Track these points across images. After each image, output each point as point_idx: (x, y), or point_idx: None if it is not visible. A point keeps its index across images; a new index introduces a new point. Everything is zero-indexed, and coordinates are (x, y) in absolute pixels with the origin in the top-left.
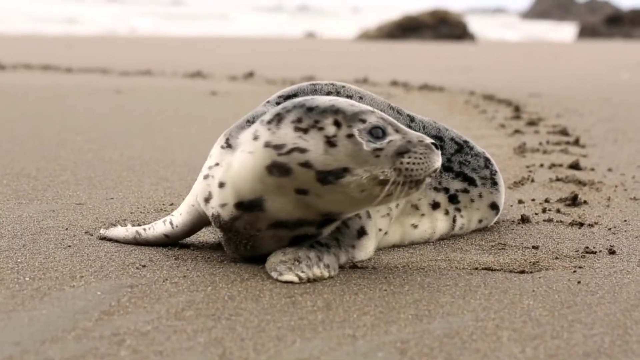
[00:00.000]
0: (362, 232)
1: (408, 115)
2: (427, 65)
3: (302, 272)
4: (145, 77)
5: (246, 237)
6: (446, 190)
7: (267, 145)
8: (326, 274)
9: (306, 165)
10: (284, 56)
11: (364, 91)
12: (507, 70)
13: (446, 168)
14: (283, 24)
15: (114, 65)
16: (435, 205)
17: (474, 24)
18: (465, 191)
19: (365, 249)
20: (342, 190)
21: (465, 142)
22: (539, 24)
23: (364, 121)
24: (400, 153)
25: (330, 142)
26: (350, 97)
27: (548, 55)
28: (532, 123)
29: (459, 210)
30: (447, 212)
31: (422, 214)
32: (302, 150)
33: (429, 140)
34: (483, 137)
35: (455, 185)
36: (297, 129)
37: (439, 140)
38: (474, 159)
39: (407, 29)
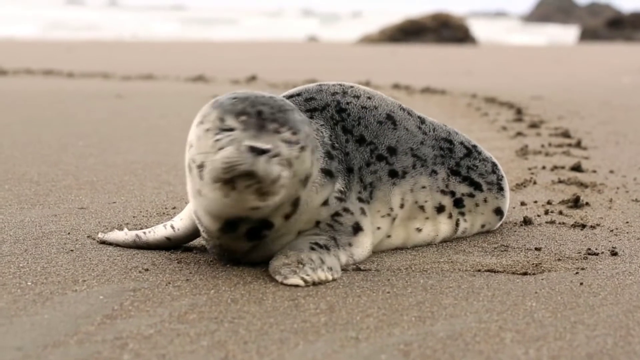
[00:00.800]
0: (357, 228)
1: (419, 117)
2: (429, 68)
3: (307, 275)
4: (147, 82)
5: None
6: (452, 193)
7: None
8: (330, 277)
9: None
10: (286, 60)
11: (372, 91)
12: (508, 73)
13: (454, 172)
14: (285, 27)
15: (115, 70)
16: (440, 209)
17: (476, 28)
18: (471, 195)
19: (362, 245)
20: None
21: (474, 146)
22: (540, 28)
23: (222, 120)
24: (221, 147)
25: (198, 137)
26: (358, 97)
27: (549, 59)
28: (534, 125)
29: (462, 214)
30: (450, 216)
31: (427, 217)
32: (190, 146)
33: (253, 143)
34: (485, 140)
35: (462, 189)
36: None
37: (449, 143)
38: (481, 164)
39: (409, 32)
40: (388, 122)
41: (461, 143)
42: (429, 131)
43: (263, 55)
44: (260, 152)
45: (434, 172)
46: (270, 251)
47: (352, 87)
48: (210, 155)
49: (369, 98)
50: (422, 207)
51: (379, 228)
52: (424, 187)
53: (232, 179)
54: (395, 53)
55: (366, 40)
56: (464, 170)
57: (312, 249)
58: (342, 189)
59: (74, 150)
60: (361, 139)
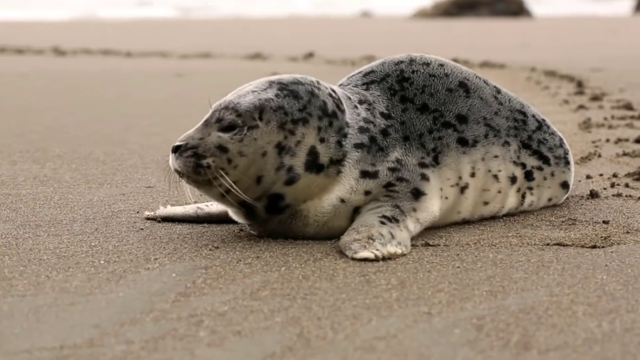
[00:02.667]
0: (418, 193)
1: (495, 87)
2: (486, 42)
3: (377, 249)
4: (205, 60)
5: None
6: (523, 165)
7: None
8: (399, 251)
9: None
10: (342, 36)
11: (445, 60)
12: (566, 45)
13: (525, 145)
14: (336, 2)
15: (173, 49)
16: (513, 179)
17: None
18: (540, 169)
19: (428, 210)
20: None
21: (544, 120)
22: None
23: None
24: None
25: None
26: (427, 64)
27: (606, 30)
28: (595, 98)
29: (530, 188)
30: (518, 189)
31: (500, 188)
32: None
33: (175, 143)
34: (547, 114)
35: (532, 162)
36: None
37: (522, 115)
38: (550, 138)
39: (463, 6)
40: (460, 89)
41: (533, 116)
42: (505, 102)
43: (318, 31)
44: (176, 149)
45: (507, 143)
46: (304, 230)
47: (422, 56)
48: None
49: (441, 65)
50: (495, 177)
51: (446, 198)
52: (496, 157)
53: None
54: (451, 27)
55: (420, 15)
56: (534, 144)
57: (382, 222)
58: (398, 158)
59: (137, 130)
60: (423, 107)
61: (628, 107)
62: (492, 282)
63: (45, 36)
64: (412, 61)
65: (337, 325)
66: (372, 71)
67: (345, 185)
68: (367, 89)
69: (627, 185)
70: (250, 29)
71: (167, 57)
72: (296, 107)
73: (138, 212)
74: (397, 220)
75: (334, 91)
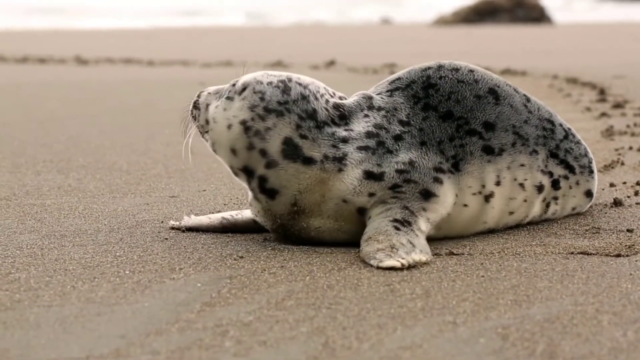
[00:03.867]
0: (428, 194)
1: (524, 95)
2: (507, 49)
3: (402, 258)
4: (227, 68)
5: None
6: (550, 174)
7: None
8: (424, 259)
9: None
10: (363, 44)
11: (474, 66)
12: (587, 52)
13: (553, 154)
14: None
15: (194, 57)
16: (540, 188)
17: (551, 6)
18: (566, 178)
19: (438, 212)
20: None
21: (569, 129)
22: (615, 5)
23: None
24: None
25: None
26: (457, 69)
27: (628, 36)
28: (618, 105)
29: (555, 198)
30: (544, 199)
31: (525, 199)
32: None
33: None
34: (570, 121)
35: (559, 171)
36: None
37: (551, 124)
38: (576, 147)
39: (484, 12)
40: (489, 96)
41: (560, 125)
42: (534, 110)
43: (339, 39)
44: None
45: (535, 151)
46: (310, 227)
47: (451, 62)
48: None
49: (471, 71)
50: (521, 185)
51: (465, 205)
52: (522, 165)
53: None
54: (471, 35)
55: (440, 22)
56: (562, 153)
57: (397, 228)
58: (410, 160)
59: (161, 139)
60: (447, 114)
61: None
62: (517, 291)
63: (68, 45)
64: (440, 67)
65: (362, 335)
66: (398, 78)
67: (348, 185)
68: (390, 96)
69: None
70: (272, 37)
71: (189, 65)
72: (277, 99)
73: (162, 221)
74: (409, 223)
75: (338, 107)
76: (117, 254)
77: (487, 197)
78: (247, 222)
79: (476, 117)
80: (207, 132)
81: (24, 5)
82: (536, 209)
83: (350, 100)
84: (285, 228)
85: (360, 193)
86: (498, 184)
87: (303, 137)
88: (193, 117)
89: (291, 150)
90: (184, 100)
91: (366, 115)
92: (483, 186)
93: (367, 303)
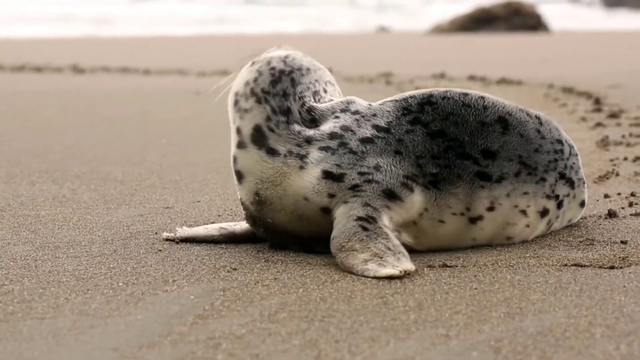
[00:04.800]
0: (392, 195)
1: (537, 117)
2: (504, 58)
3: (396, 265)
4: (223, 77)
5: None
6: (557, 197)
7: None
8: (413, 268)
9: None
10: (360, 52)
11: (486, 94)
12: (584, 61)
13: (562, 175)
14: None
15: (190, 66)
16: (544, 213)
17: (548, 14)
18: (567, 195)
19: (401, 215)
20: None
21: (567, 139)
22: (613, 13)
23: None
24: None
25: None
26: (465, 94)
27: (624, 45)
28: (613, 115)
29: (557, 217)
30: (549, 221)
31: (527, 225)
32: None
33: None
34: (565, 132)
35: (564, 191)
36: None
37: (560, 144)
38: (576, 160)
39: (480, 21)
40: (497, 125)
41: (566, 141)
42: (547, 133)
43: (336, 47)
44: None
45: (543, 179)
46: (276, 223)
47: (462, 90)
48: None
49: (482, 97)
50: (523, 212)
51: (442, 222)
52: (526, 193)
53: None
54: (468, 43)
55: (437, 30)
56: (568, 172)
57: (364, 228)
58: (377, 165)
59: (156, 149)
60: (438, 133)
61: None
62: (510, 304)
63: (64, 53)
64: (447, 91)
65: (355, 348)
66: (403, 94)
67: (307, 183)
68: (382, 104)
69: None
70: (269, 44)
71: (185, 74)
72: (264, 85)
73: (156, 233)
74: (373, 219)
75: (310, 110)
76: (111, 265)
77: (474, 220)
78: (245, 232)
79: (475, 143)
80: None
81: (21, 14)
82: (539, 231)
83: (328, 103)
84: (254, 219)
85: (320, 192)
86: (491, 209)
87: (270, 129)
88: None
89: (258, 137)
90: (179, 109)
91: (336, 117)
92: (468, 209)
93: (360, 316)
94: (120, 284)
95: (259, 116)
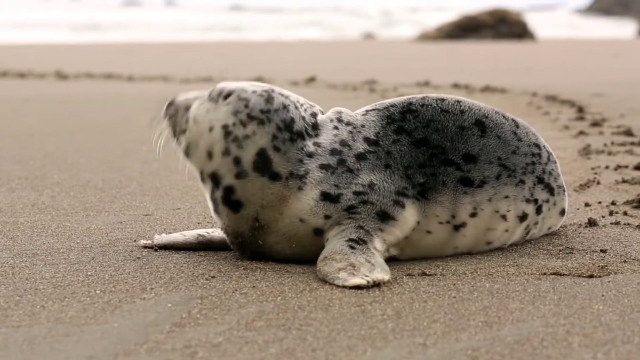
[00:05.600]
0: (386, 216)
1: (513, 120)
2: (488, 66)
3: (366, 276)
4: (207, 84)
5: None
6: (535, 201)
7: None
8: (386, 278)
9: None
10: (344, 60)
11: (462, 98)
12: (568, 69)
13: (540, 179)
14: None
15: (174, 73)
16: (523, 217)
17: (534, 22)
18: (547, 201)
19: (394, 234)
20: None
21: (545, 146)
22: (598, 21)
23: None
24: None
25: None
26: (442, 100)
27: (609, 54)
28: (596, 124)
29: (536, 223)
30: (527, 226)
31: (506, 230)
32: None
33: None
34: (548, 140)
35: (543, 196)
36: None
37: (537, 147)
38: (555, 166)
39: (467, 29)
40: (475, 128)
41: (544, 146)
42: (523, 136)
43: (320, 55)
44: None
45: (522, 181)
46: (266, 244)
47: (439, 95)
48: None
49: (458, 102)
50: (503, 217)
51: (429, 232)
52: (507, 197)
53: None
54: (454, 51)
55: (423, 38)
56: (546, 177)
57: (351, 247)
58: (370, 182)
59: (137, 156)
60: (422, 142)
61: (628, 133)
62: (488, 313)
63: (48, 59)
64: (424, 97)
65: (332, 357)
66: (382, 103)
67: (304, 205)
68: (365, 114)
69: (625, 214)
70: (252, 52)
71: (169, 81)
72: (260, 107)
73: (135, 240)
74: (364, 242)
75: (313, 115)
76: (89, 273)
77: (457, 227)
78: (224, 239)
79: (456, 148)
80: (183, 133)
81: (4, 20)
82: (517, 237)
83: (323, 111)
84: (244, 244)
85: (316, 214)
86: (474, 215)
87: (276, 148)
88: (166, 116)
89: (262, 163)
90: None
91: (335, 127)
92: (453, 217)
93: (337, 324)
94: (98, 291)
95: (264, 138)
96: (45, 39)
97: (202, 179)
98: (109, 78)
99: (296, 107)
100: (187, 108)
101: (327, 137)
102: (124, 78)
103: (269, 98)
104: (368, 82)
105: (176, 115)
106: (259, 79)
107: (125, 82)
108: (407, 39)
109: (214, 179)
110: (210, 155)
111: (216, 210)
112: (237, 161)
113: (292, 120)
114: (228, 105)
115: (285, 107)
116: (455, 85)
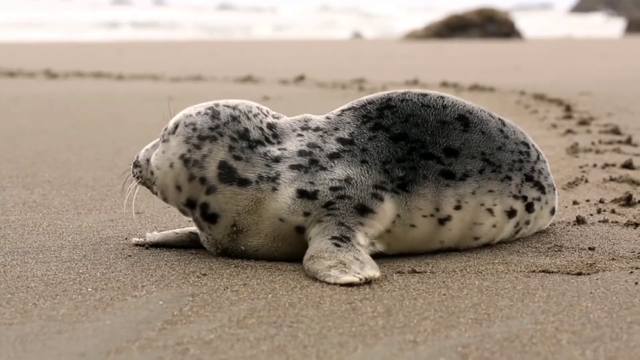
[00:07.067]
0: (364, 210)
1: (500, 119)
2: (477, 65)
3: (358, 273)
4: (197, 83)
5: None
6: (524, 198)
7: None
8: (377, 275)
9: None
10: (333, 59)
11: (445, 94)
12: (556, 68)
13: (528, 177)
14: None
15: (164, 72)
16: (511, 213)
17: (521, 21)
18: (538, 200)
19: (375, 227)
20: None
21: (534, 144)
22: (586, 19)
23: None
24: None
25: None
26: (424, 95)
27: (596, 52)
28: (583, 122)
29: (527, 222)
30: (517, 223)
31: (494, 225)
32: None
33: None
34: (536, 138)
35: (533, 193)
36: None
37: (526, 146)
38: (545, 165)
39: (455, 28)
40: (457, 123)
41: (533, 145)
42: (510, 134)
43: (310, 54)
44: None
45: (508, 177)
46: (250, 248)
47: (421, 90)
48: None
49: (441, 97)
50: (490, 210)
51: (413, 226)
52: (491, 191)
53: None
54: (442, 50)
55: (412, 37)
56: (536, 175)
57: (337, 245)
58: (341, 178)
59: (128, 154)
60: (401, 136)
61: (615, 131)
62: (478, 310)
63: (38, 58)
64: (406, 92)
65: (323, 354)
66: (360, 100)
67: (282, 204)
68: (340, 115)
69: (613, 211)
70: (242, 51)
71: (159, 80)
72: (207, 125)
73: (126, 238)
74: (347, 238)
75: (271, 126)
76: (80, 271)
77: (442, 220)
78: None
79: (436, 142)
80: (154, 183)
81: None
82: (505, 234)
83: (284, 119)
84: (225, 253)
85: (295, 212)
86: (458, 208)
87: (237, 158)
88: (135, 175)
89: (226, 174)
90: (152, 115)
91: (300, 135)
92: (437, 209)
93: (328, 321)
94: (89, 289)
95: (221, 151)
96: (34, 37)
97: (184, 212)
98: (98, 77)
99: (248, 118)
100: (149, 160)
101: (291, 143)
102: (113, 77)
103: (214, 114)
104: (357, 81)
105: (143, 171)
106: (248, 78)
107: (115, 80)
108: (395, 38)
109: (190, 204)
110: (179, 187)
111: (200, 227)
112: (202, 180)
113: (247, 130)
114: (178, 137)
115: (234, 118)
116: (444, 84)
